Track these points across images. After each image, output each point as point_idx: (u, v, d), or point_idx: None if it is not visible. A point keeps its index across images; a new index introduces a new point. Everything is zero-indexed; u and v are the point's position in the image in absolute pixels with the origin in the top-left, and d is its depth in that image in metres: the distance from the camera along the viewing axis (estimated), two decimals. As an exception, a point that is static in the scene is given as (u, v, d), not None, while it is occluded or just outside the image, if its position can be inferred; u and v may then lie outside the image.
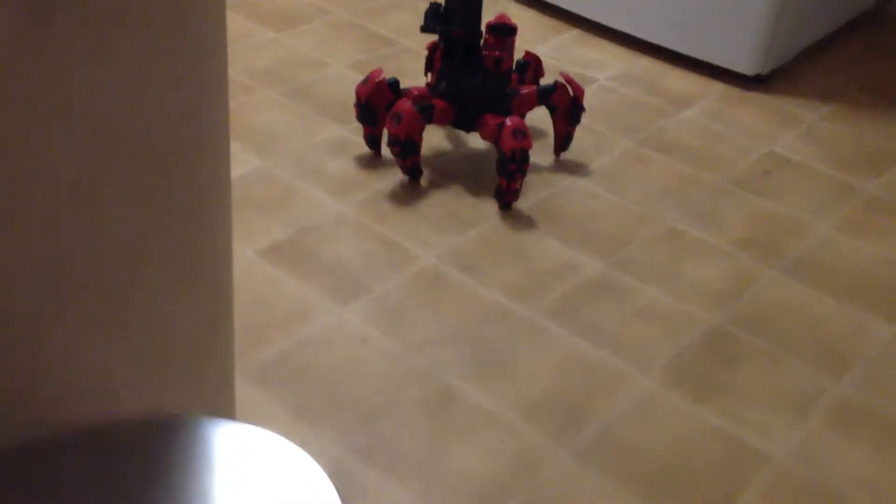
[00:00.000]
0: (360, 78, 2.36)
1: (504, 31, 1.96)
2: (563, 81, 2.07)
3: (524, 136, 1.89)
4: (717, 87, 2.48)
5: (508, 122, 1.90)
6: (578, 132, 2.25)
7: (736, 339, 1.70)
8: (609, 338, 1.68)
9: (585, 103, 2.36)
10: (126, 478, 0.71)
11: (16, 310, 0.71)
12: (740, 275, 1.86)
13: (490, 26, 1.96)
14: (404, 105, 1.92)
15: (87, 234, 0.73)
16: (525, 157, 1.90)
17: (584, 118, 2.30)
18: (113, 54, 0.68)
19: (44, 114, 0.66)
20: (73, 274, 0.74)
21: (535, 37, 2.64)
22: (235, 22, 2.54)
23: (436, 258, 1.82)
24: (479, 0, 1.93)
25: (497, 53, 1.96)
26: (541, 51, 2.57)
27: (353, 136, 2.14)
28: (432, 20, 1.95)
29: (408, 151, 1.96)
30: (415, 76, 2.37)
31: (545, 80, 2.39)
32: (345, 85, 2.33)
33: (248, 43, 2.45)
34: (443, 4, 1.95)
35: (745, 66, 2.46)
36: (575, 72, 2.48)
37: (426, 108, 1.96)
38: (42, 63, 0.64)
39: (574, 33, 2.67)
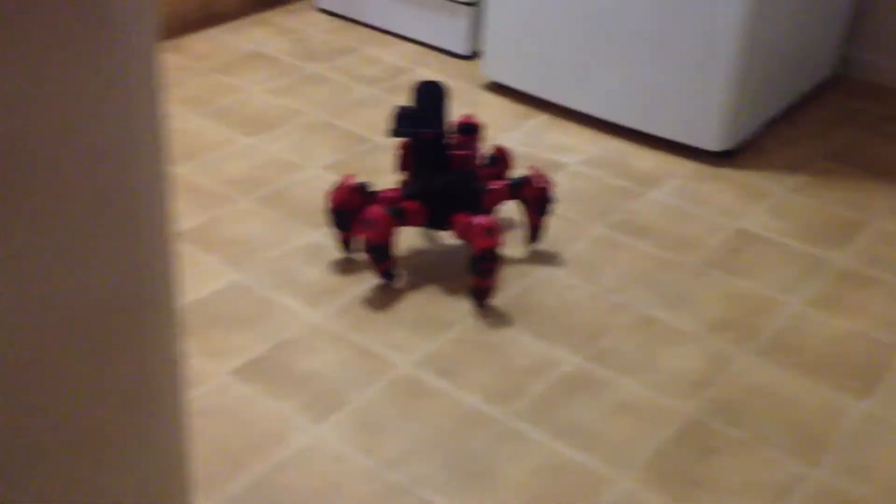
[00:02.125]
0: (335, 179, 2.40)
1: (469, 129, 2.00)
2: (532, 174, 2.11)
3: (495, 234, 1.93)
4: (685, 165, 2.52)
5: (478, 220, 1.94)
6: (552, 219, 2.28)
7: (712, 430, 1.72)
8: (588, 438, 1.69)
9: (557, 189, 2.40)
10: None
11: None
12: (714, 360, 1.88)
13: (458, 125, 2.00)
14: (375, 211, 1.96)
15: (31, 414, 0.75)
16: (497, 256, 1.93)
17: (557, 205, 2.33)
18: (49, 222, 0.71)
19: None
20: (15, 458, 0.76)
21: (506, 124, 2.69)
22: (210, 129, 2.59)
23: (413, 364, 1.84)
24: (445, 102, 1.98)
25: (465, 152, 2.00)
26: (512, 137, 2.61)
27: (328, 240, 2.18)
28: (401, 124, 2.00)
29: (381, 256, 1.99)
30: (388, 172, 2.41)
31: (517, 170, 2.43)
32: (320, 187, 2.37)
33: (224, 151, 2.50)
34: (410, 108, 1.99)
35: (711, 143, 2.50)
36: (545, 157, 2.53)
37: (398, 212, 1.99)
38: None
39: (544, 118, 2.72)
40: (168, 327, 0.86)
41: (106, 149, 0.73)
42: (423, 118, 1.98)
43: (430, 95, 1.97)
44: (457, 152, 1.99)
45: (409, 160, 2.06)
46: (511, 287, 2.06)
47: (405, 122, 1.98)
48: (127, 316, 0.80)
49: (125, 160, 0.75)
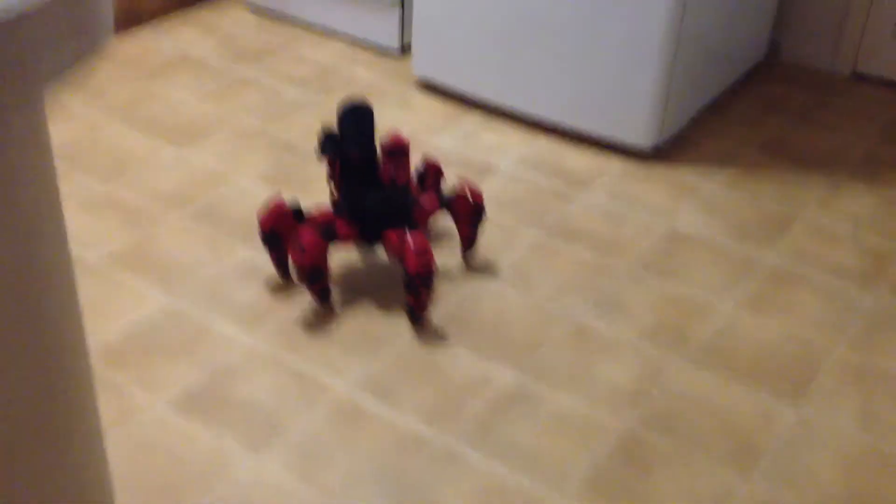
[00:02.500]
0: (266, 191, 2.37)
1: (397, 151, 1.99)
2: (462, 187, 2.10)
3: (426, 252, 1.92)
4: (616, 163, 2.53)
5: (410, 241, 1.93)
6: (486, 225, 2.28)
7: (648, 443, 1.74)
8: (525, 457, 1.71)
9: (490, 194, 2.40)
10: None
11: None
12: (649, 369, 1.90)
13: (384, 148, 1.99)
14: (306, 234, 1.94)
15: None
16: (430, 275, 1.93)
17: (492, 210, 2.33)
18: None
19: None
20: None
21: (438, 125, 2.67)
22: (138, 140, 2.54)
23: (350, 387, 1.84)
24: (371, 123, 1.96)
25: (393, 171, 1.98)
26: (445, 139, 2.61)
27: (262, 256, 2.16)
28: (328, 146, 1.98)
29: (314, 278, 1.98)
30: (320, 181, 2.39)
31: (450, 180, 2.42)
32: (251, 200, 2.34)
33: (151, 163, 2.46)
34: (336, 130, 1.97)
35: (641, 139, 2.51)
36: (478, 159, 2.52)
37: (329, 232, 1.98)
38: None
39: (475, 117, 2.71)
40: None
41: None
42: (349, 139, 1.96)
43: (356, 116, 1.95)
44: (385, 171, 1.98)
45: (339, 176, 2.05)
46: (447, 300, 2.06)
47: (331, 143, 1.96)
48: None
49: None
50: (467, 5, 2.62)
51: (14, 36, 0.58)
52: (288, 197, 2.35)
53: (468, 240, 2.15)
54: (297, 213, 2.04)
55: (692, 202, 2.39)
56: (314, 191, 2.37)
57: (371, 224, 2.02)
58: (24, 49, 0.59)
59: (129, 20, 3.10)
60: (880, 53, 2.90)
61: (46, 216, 0.74)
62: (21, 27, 0.59)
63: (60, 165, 2.44)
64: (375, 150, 2.00)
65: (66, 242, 0.79)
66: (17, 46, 0.59)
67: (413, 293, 1.95)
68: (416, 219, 2.07)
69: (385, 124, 2.66)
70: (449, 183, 2.42)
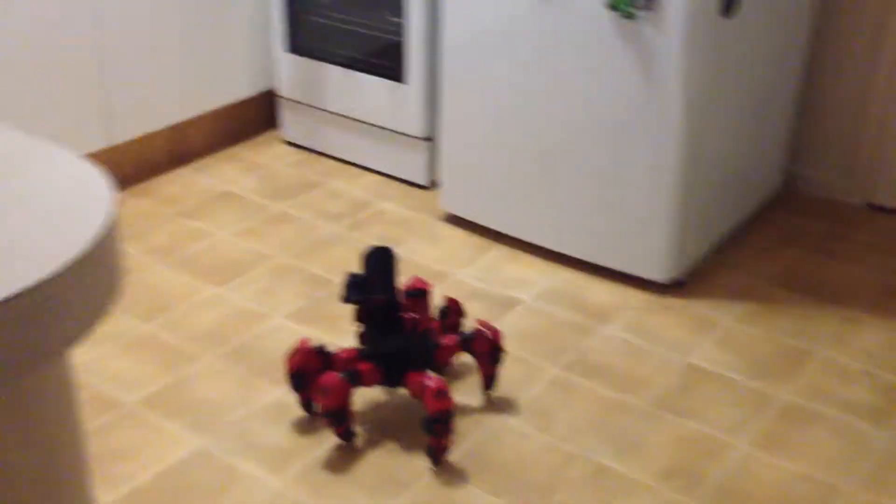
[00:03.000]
0: (299, 328, 2.48)
1: (418, 293, 2.09)
2: (481, 328, 2.19)
3: (445, 396, 2.00)
4: (636, 297, 2.61)
5: (430, 383, 2.01)
6: (507, 360, 2.36)
7: (660, 588, 1.78)
8: None
9: (512, 328, 2.48)
10: None
11: None
12: (663, 512, 1.94)
13: (406, 290, 2.09)
14: (331, 378, 2.03)
15: None
16: (449, 417, 2.01)
17: (512, 344, 2.41)
18: None
19: None
20: None
21: (463, 257, 2.78)
22: (176, 280, 2.67)
23: (371, 530, 1.91)
24: (393, 268, 2.07)
25: (414, 316, 2.08)
26: (468, 272, 2.70)
27: (291, 397, 2.25)
28: (352, 291, 2.08)
29: (339, 420, 2.06)
30: (349, 317, 2.49)
31: (471, 319, 2.51)
32: (283, 338, 2.45)
33: (190, 302, 2.58)
34: (360, 274, 2.08)
35: (659, 274, 2.59)
36: (500, 294, 2.61)
37: (353, 375, 2.07)
38: None
39: (499, 251, 2.81)
40: None
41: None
42: (372, 284, 2.06)
43: (379, 261, 2.06)
44: (407, 315, 2.08)
45: (364, 318, 2.15)
46: (466, 440, 2.13)
47: (355, 288, 2.07)
48: None
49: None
50: (492, 144, 2.74)
51: (36, 304, 0.69)
52: (317, 335, 2.45)
53: (488, 378, 2.23)
54: (324, 354, 2.14)
55: (709, 336, 2.45)
56: (343, 328, 2.47)
57: (394, 367, 2.11)
58: (46, 315, 0.69)
59: (173, 161, 3.28)
60: (895, 184, 2.97)
61: (69, 460, 0.84)
62: (42, 294, 0.69)
63: (104, 305, 2.57)
64: (397, 294, 2.10)
65: (87, 483, 0.89)
66: (39, 313, 0.69)
67: (433, 434, 2.02)
68: (437, 361, 2.15)
69: (412, 257, 2.77)
70: (471, 318, 2.51)
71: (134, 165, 3.17)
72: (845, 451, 2.09)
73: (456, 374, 2.32)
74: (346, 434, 2.10)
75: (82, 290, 0.72)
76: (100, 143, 3.02)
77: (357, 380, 2.08)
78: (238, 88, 3.39)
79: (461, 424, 2.17)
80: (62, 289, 0.71)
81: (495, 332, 2.19)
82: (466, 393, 2.27)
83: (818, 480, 2.02)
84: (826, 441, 2.12)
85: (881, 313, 2.54)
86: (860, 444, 2.11)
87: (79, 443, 0.86)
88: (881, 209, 3.01)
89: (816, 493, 1.99)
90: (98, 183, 0.82)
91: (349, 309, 2.54)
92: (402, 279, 2.67)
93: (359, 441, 2.13)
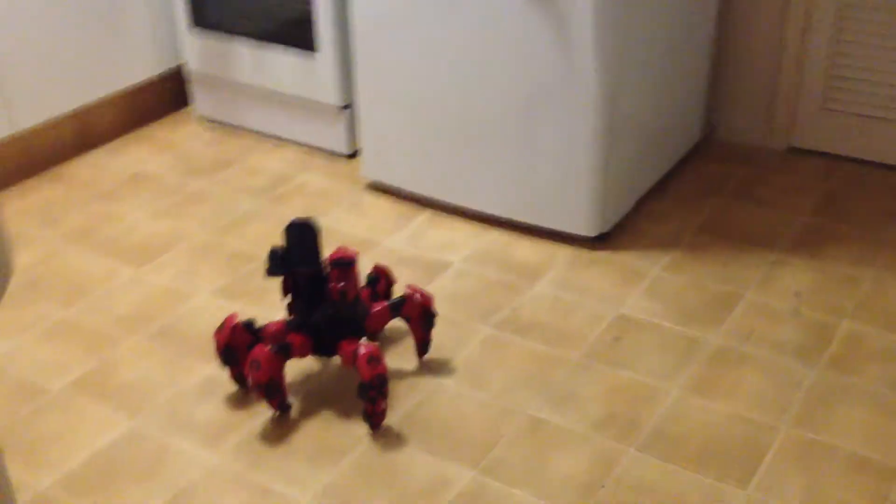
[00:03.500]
0: (224, 305, 2.43)
1: (344, 263, 2.06)
2: (411, 293, 2.17)
3: (378, 362, 1.98)
4: (564, 252, 2.61)
5: (361, 349, 1.99)
6: (439, 322, 2.35)
7: (604, 535, 1.79)
8: (484, 558, 1.75)
9: (443, 291, 2.46)
10: None
11: None
12: (601, 460, 1.95)
13: (332, 261, 2.06)
14: (261, 351, 2.00)
15: None
16: (383, 382, 1.99)
17: (444, 306, 2.40)
18: None
19: None
20: None
21: (389, 226, 2.75)
22: (95, 263, 2.60)
23: (312, 500, 1.88)
24: (316, 240, 2.03)
25: (342, 285, 2.05)
26: (396, 239, 2.68)
27: (221, 373, 2.20)
28: (275, 265, 2.04)
29: (272, 392, 2.03)
30: (276, 292, 2.45)
31: (402, 281, 2.49)
32: (210, 316, 2.40)
33: (109, 286, 2.51)
34: (283, 248, 2.04)
35: (585, 228, 2.60)
36: (430, 258, 2.60)
37: (283, 347, 2.03)
38: None
39: (426, 216, 2.79)
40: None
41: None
42: (295, 257, 2.03)
43: (300, 234, 2.02)
44: (335, 285, 2.04)
45: (291, 290, 2.11)
46: (403, 403, 2.11)
47: (278, 262, 2.03)
48: None
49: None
50: (410, 110, 2.71)
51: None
52: (244, 310, 2.40)
53: (422, 342, 2.21)
54: (252, 329, 2.10)
55: (637, 286, 2.47)
56: (271, 301, 2.43)
57: (325, 336, 2.08)
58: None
59: (83, 145, 3.18)
60: (812, 126, 3.01)
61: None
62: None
63: (21, 293, 2.49)
64: (322, 266, 2.07)
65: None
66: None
67: (368, 400, 2.00)
68: (368, 328, 2.13)
69: (337, 228, 2.73)
70: (401, 284, 2.48)
71: (42, 151, 3.07)
72: (776, 390, 2.13)
73: (389, 340, 2.30)
74: (280, 406, 2.07)
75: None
76: (3, 131, 2.92)
77: (288, 352, 2.05)
78: (143, 67, 3.30)
79: (396, 388, 2.15)
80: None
81: (426, 296, 2.17)
82: (401, 357, 2.25)
83: (750, 420, 2.05)
84: (757, 381, 2.15)
85: (806, 254, 2.58)
86: (790, 383, 2.15)
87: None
88: (800, 151, 3.06)
89: (749, 432, 2.01)
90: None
91: (275, 283, 2.50)
92: (328, 250, 2.63)
93: (294, 412, 2.10)
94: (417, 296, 2.16)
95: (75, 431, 2.05)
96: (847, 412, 2.05)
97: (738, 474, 1.91)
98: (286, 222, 2.02)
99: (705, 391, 2.13)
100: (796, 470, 1.92)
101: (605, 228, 2.63)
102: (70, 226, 2.78)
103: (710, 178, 2.96)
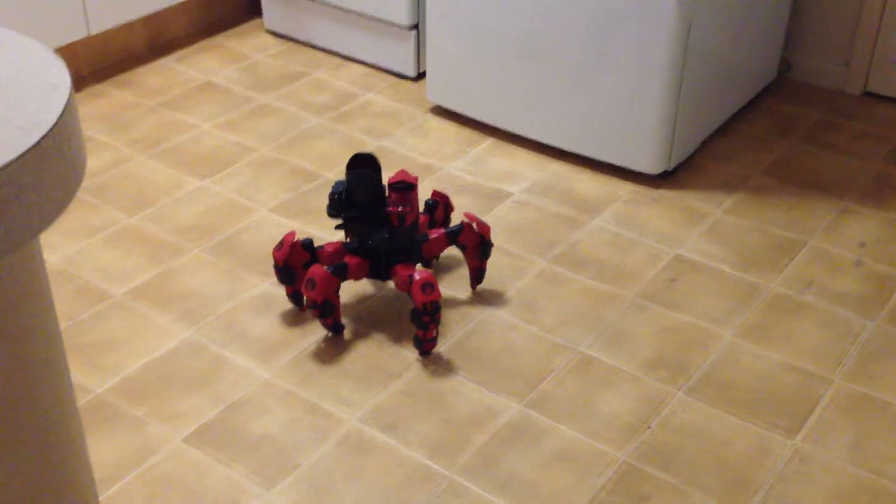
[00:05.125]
0: (285, 221, 2.46)
1: (404, 187, 2.06)
2: (469, 222, 2.17)
3: (433, 288, 1.99)
4: (626, 189, 2.58)
5: (417, 275, 2.00)
6: (495, 253, 2.35)
7: (646, 476, 1.80)
8: (527, 490, 1.77)
9: (500, 221, 2.46)
10: None
11: None
12: (649, 401, 1.96)
13: (391, 184, 2.06)
14: (317, 270, 2.02)
15: None
16: (436, 309, 2.00)
17: (501, 237, 2.40)
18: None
19: None
20: None
21: (451, 150, 2.74)
22: (160, 172, 2.64)
23: (360, 419, 1.92)
24: (378, 190, 2.04)
25: (400, 209, 2.06)
26: (457, 165, 2.67)
27: (278, 290, 2.24)
28: (335, 208, 2.06)
29: (326, 312, 2.06)
30: (335, 214, 2.47)
31: (460, 210, 2.49)
32: (268, 232, 2.43)
33: (174, 196, 2.55)
34: (345, 190, 2.05)
35: (649, 165, 2.56)
36: (489, 186, 2.59)
37: (340, 269, 2.05)
38: None
39: (488, 143, 2.77)
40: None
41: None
42: (355, 204, 2.05)
43: (363, 184, 2.03)
44: (393, 209, 2.05)
45: (349, 217, 2.12)
46: (454, 332, 2.13)
47: (337, 206, 2.05)
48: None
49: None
50: (479, 34, 2.68)
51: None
52: (302, 229, 2.43)
53: (477, 272, 2.22)
54: (311, 248, 2.12)
55: (698, 227, 2.44)
56: (330, 221, 2.45)
57: (381, 260, 2.10)
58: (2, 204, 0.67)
59: (154, 51, 3.20)
60: (891, 72, 2.92)
61: (44, 348, 0.82)
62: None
63: (89, 198, 2.54)
64: (383, 193, 2.07)
65: (65, 376, 0.87)
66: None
67: (421, 326, 2.02)
68: (424, 254, 2.14)
69: (399, 150, 2.73)
70: (459, 211, 2.49)
71: (114, 56, 3.10)
72: (831, 342, 2.10)
73: (445, 268, 2.31)
74: (334, 327, 2.10)
75: (39, 178, 0.69)
76: (79, 34, 2.94)
77: (344, 273, 2.07)
78: (219, -25, 3.30)
79: (449, 317, 2.17)
80: (18, 176, 0.68)
81: (483, 225, 2.17)
82: (455, 286, 2.26)
83: (803, 370, 2.03)
84: (813, 331, 2.13)
85: (874, 203, 2.52)
86: (846, 335, 2.12)
87: (53, 334, 0.84)
88: (877, 97, 2.97)
89: (801, 382, 2.00)
90: (55, 72, 0.79)
91: (336, 202, 2.51)
92: (389, 172, 2.64)
93: (347, 333, 2.13)
94: (475, 225, 2.16)
95: (135, 338, 2.11)
96: (902, 369, 2.03)
97: (787, 423, 1.91)
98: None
99: (759, 338, 2.11)
100: (846, 423, 1.91)
101: (670, 167, 2.59)
102: (138, 133, 2.81)
103: (781, 119, 2.89)
